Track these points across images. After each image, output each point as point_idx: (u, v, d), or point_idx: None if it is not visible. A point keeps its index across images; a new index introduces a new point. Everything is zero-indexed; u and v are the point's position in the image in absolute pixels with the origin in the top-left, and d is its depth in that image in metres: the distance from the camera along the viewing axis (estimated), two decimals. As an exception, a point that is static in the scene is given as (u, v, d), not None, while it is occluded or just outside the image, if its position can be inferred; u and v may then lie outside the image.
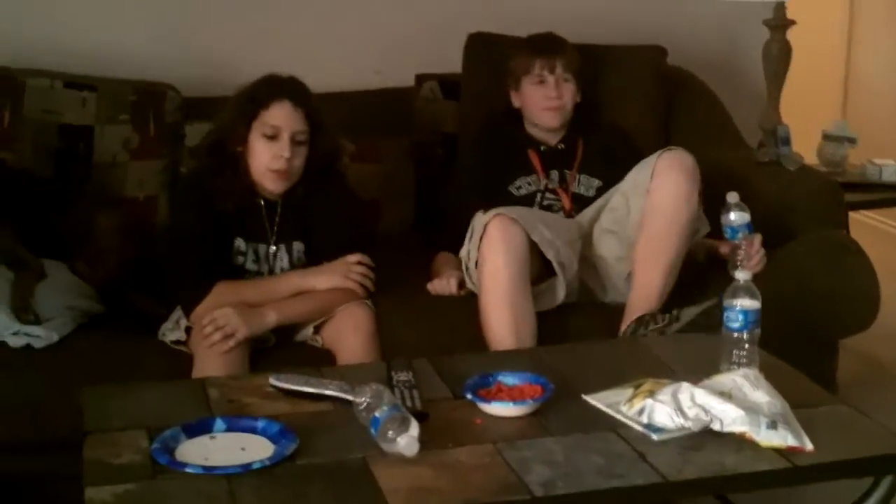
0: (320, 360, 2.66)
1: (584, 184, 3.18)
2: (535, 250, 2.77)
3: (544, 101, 3.17)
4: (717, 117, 3.76)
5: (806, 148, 4.13)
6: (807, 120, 4.32)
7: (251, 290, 2.75)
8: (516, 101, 3.26)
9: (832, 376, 3.22)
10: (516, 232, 2.73)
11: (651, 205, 2.84)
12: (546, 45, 3.23)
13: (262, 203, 2.83)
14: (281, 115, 2.75)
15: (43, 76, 3.23)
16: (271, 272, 2.85)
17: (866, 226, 4.85)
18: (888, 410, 2.78)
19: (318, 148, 2.82)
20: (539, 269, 2.83)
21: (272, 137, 2.74)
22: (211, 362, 2.56)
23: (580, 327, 2.85)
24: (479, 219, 2.84)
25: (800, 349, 2.97)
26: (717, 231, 3.02)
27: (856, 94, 5.47)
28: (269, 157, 2.74)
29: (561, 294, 2.84)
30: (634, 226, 2.89)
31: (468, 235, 2.91)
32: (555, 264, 2.79)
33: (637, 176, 2.93)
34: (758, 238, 2.98)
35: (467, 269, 2.90)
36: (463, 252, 2.93)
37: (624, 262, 2.92)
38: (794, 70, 3.84)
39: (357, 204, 3.04)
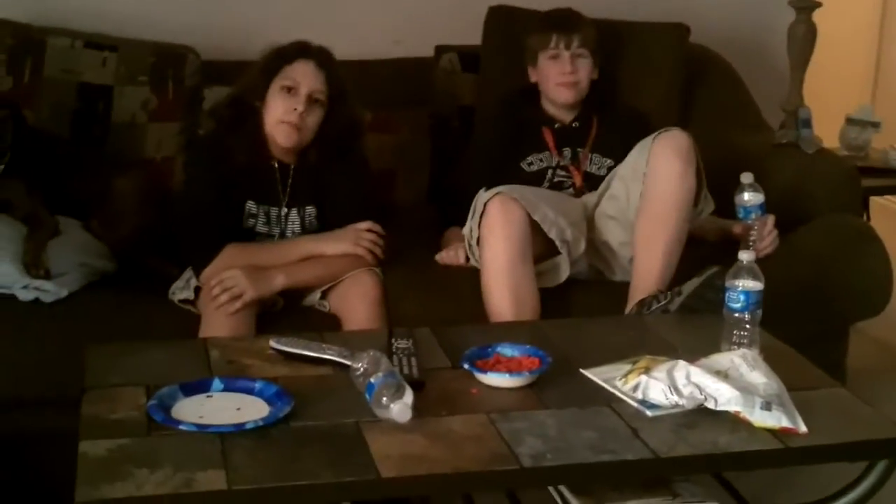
0: (326, 325, 2.67)
1: (597, 163, 3.16)
2: (539, 228, 2.77)
3: (559, 77, 3.16)
4: (739, 98, 3.73)
5: (834, 131, 4.10)
6: (836, 103, 4.29)
7: (261, 252, 2.77)
8: (533, 77, 3.25)
9: (842, 361, 3.22)
10: (516, 210, 2.73)
11: (647, 187, 2.82)
12: (562, 20, 3.21)
13: (276, 165, 2.84)
14: (303, 71, 2.78)
15: (64, 35, 3.25)
16: (282, 235, 2.86)
17: (889, 210, 4.82)
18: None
19: (336, 117, 2.83)
20: (544, 246, 2.82)
21: (290, 90, 2.76)
22: (218, 323, 2.58)
23: (586, 304, 2.85)
24: (481, 197, 2.84)
25: (811, 333, 2.98)
26: (731, 212, 3.00)
27: (886, 79, 5.41)
28: (284, 109, 2.76)
29: (565, 272, 2.84)
30: (635, 211, 2.86)
31: (471, 212, 2.91)
32: (557, 242, 2.79)
33: (635, 161, 2.91)
34: (771, 219, 2.97)
35: (470, 245, 2.90)
36: (466, 229, 2.92)
37: (628, 247, 2.90)
38: (825, 52, 3.80)
39: (371, 173, 3.04)
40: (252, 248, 2.80)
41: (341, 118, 2.85)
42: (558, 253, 2.83)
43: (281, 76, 2.78)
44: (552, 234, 2.78)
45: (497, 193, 2.76)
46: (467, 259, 2.95)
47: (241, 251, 2.75)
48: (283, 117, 2.76)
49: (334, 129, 2.84)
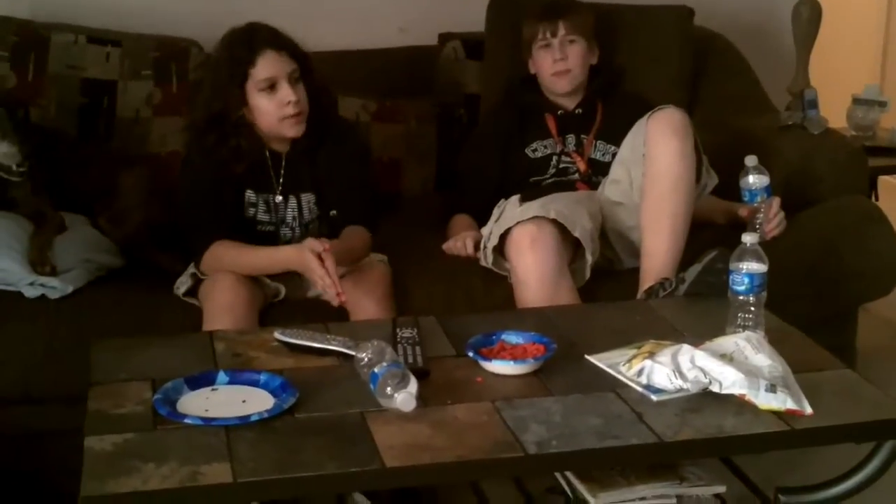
0: (334, 317, 2.66)
1: (601, 149, 3.15)
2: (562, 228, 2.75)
3: (551, 66, 3.15)
4: (745, 80, 3.71)
5: (841, 112, 4.08)
6: (843, 83, 4.27)
7: (248, 255, 2.74)
8: (531, 68, 3.25)
9: (852, 342, 3.21)
10: (547, 236, 2.71)
11: (648, 167, 2.79)
12: (548, 10, 3.21)
13: (268, 154, 2.84)
14: (270, 65, 2.73)
15: (67, 31, 3.26)
16: (282, 223, 2.86)
17: (897, 190, 4.79)
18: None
19: (310, 84, 2.80)
20: (570, 249, 2.80)
21: (271, 88, 2.74)
22: (219, 316, 2.58)
23: (594, 292, 2.82)
24: (511, 209, 2.81)
25: (820, 314, 2.97)
26: (738, 195, 2.99)
27: (895, 58, 5.38)
28: (276, 107, 2.73)
29: (587, 274, 2.81)
30: (639, 193, 2.84)
31: (494, 216, 2.90)
32: (588, 253, 2.76)
33: (634, 143, 2.89)
34: (776, 201, 2.95)
35: (485, 247, 2.88)
36: (485, 230, 2.92)
37: (636, 231, 2.87)
38: (831, 33, 3.78)
39: (370, 159, 3.04)
40: (241, 248, 2.76)
41: (314, 82, 2.82)
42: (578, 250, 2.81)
43: (252, 81, 2.73)
44: (588, 248, 2.75)
45: (532, 219, 2.72)
46: (476, 249, 2.94)
47: (230, 248, 2.73)
48: (283, 113, 2.72)
49: (313, 96, 2.81)
